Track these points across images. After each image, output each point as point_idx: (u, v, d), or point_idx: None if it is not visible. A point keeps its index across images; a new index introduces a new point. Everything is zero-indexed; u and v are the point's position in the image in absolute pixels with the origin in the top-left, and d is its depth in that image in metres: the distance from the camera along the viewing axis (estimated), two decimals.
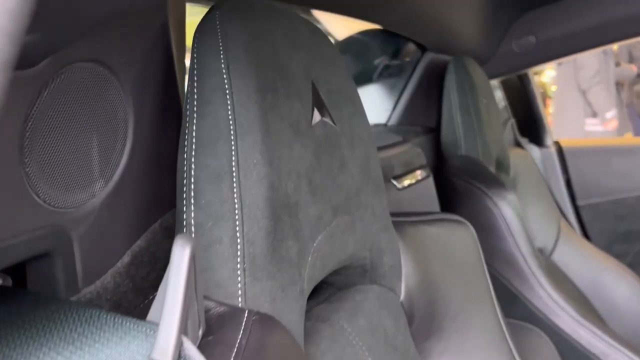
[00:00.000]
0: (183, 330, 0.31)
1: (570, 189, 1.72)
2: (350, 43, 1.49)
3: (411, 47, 1.40)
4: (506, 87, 1.73)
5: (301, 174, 0.45)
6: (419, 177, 0.99)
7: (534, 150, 1.71)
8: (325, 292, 0.62)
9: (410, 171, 0.97)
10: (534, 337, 1.03)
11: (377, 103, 1.41)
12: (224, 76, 0.41)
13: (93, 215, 0.42)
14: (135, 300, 0.46)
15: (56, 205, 0.39)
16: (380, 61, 1.44)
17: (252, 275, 0.39)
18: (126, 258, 0.47)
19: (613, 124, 3.23)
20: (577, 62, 3.15)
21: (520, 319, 1.06)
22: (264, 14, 0.48)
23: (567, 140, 1.79)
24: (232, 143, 0.40)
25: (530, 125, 1.74)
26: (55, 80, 0.37)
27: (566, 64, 3.24)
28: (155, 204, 0.49)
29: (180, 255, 0.30)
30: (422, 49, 1.37)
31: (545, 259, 1.44)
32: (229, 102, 0.41)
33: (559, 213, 1.57)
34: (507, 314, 1.06)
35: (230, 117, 0.41)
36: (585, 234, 1.72)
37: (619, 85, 3.54)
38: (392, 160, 0.93)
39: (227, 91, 0.41)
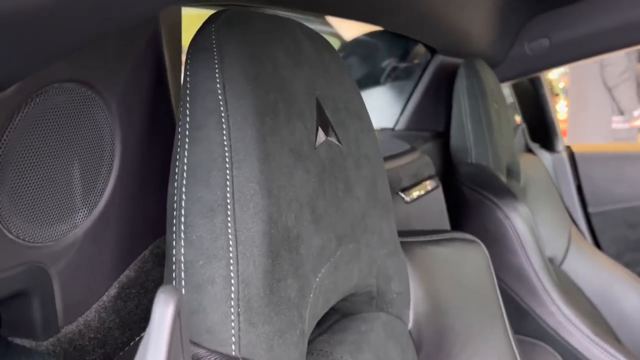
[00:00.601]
0: None
1: (581, 196, 1.67)
2: (358, 44, 1.45)
3: (420, 49, 1.35)
4: (517, 90, 1.69)
5: (303, 202, 0.42)
6: (428, 188, 0.95)
7: (544, 155, 1.67)
8: (329, 318, 0.58)
9: (418, 182, 0.93)
10: (545, 355, 0.99)
11: (384, 107, 1.37)
12: (219, 97, 0.37)
13: (75, 247, 0.39)
14: (121, 337, 0.43)
15: (32, 240, 0.35)
16: (389, 63, 1.40)
17: (247, 320, 0.35)
18: (113, 290, 0.43)
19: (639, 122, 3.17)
20: (603, 59, 3.08)
21: (531, 336, 1.02)
22: (264, 27, 0.44)
23: (579, 145, 1.75)
24: (227, 172, 0.36)
25: (541, 130, 1.70)
26: (30, 103, 0.33)
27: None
28: (145, 229, 0.46)
29: (163, 313, 0.26)
30: (432, 51, 1.33)
31: (555, 268, 1.40)
32: (224, 125, 0.37)
33: (569, 221, 1.53)
34: (517, 330, 1.02)
35: (225, 142, 0.37)
36: (596, 242, 1.67)
37: None
38: (399, 171, 0.89)
39: (223, 114, 0.37)
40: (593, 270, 1.43)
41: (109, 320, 0.42)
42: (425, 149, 1.19)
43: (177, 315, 0.27)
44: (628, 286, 1.41)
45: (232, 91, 0.38)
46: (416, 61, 1.38)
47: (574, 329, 1.00)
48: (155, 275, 0.46)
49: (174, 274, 0.37)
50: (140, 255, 0.46)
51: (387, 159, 0.91)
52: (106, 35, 0.33)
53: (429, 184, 0.95)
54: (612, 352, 0.97)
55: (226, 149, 0.37)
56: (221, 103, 0.37)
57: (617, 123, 3.18)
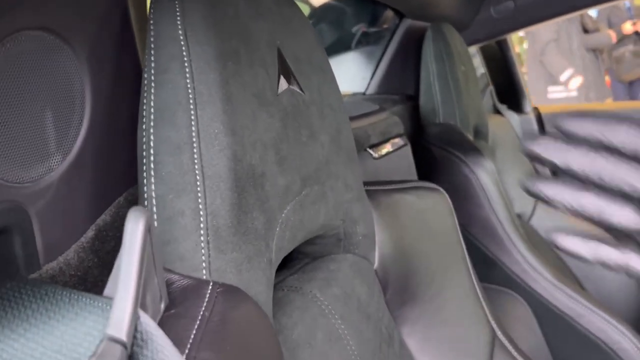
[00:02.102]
0: (140, 304, 0.30)
1: None
2: (327, 10, 1.47)
3: (389, 13, 1.38)
4: (485, 53, 1.72)
5: (267, 144, 0.44)
6: (397, 146, 0.98)
7: (512, 117, 1.71)
8: (299, 262, 0.62)
9: (387, 140, 0.97)
10: (511, 301, 1.05)
11: (355, 72, 1.39)
12: (182, 43, 0.40)
13: (52, 189, 0.41)
14: (100, 275, 0.46)
15: (11, 180, 0.38)
16: (358, 28, 1.42)
17: (216, 248, 0.38)
18: (90, 233, 0.46)
19: (573, 84, 3.22)
20: (534, 33, 3.16)
21: (498, 284, 1.07)
22: None
23: (546, 106, 1.79)
24: (192, 113, 0.39)
25: (509, 92, 1.74)
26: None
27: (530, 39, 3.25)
28: (120, 177, 0.48)
29: (134, 228, 0.29)
30: (400, 15, 1.35)
31: (523, 224, 1.45)
32: (187, 70, 0.39)
33: None
34: (484, 279, 1.07)
35: (189, 85, 0.39)
36: None
37: (597, 51, 3.54)
38: (368, 129, 0.92)
39: (185, 59, 0.40)
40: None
41: (88, 259, 0.45)
42: (395, 111, 1.22)
43: (148, 230, 0.30)
44: None
45: (194, 37, 0.40)
46: (385, 26, 1.40)
47: (538, 277, 1.05)
48: None
49: (146, 209, 0.39)
50: (115, 201, 0.48)
51: (356, 117, 0.94)
52: None
53: (397, 142, 0.99)
54: (575, 296, 1.03)
55: (190, 91, 0.39)
56: (183, 49, 0.40)
57: (553, 93, 3.25)
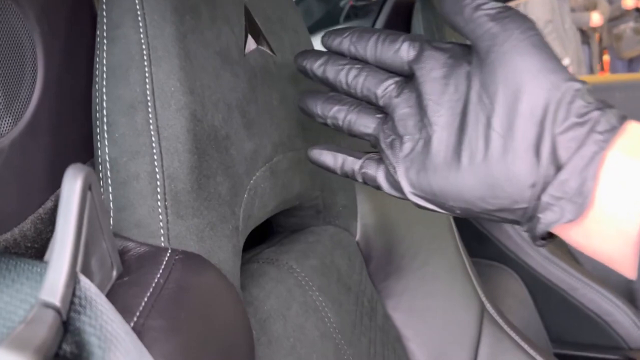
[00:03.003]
0: (83, 269, 0.28)
1: None
2: None
3: None
4: None
5: (232, 105, 0.42)
6: None
7: None
8: (278, 235, 0.60)
9: None
10: (504, 276, 1.03)
11: None
12: None
13: (2, 156, 0.39)
14: None
15: None
16: (346, 2, 1.39)
17: (175, 213, 0.36)
18: (49, 204, 0.43)
19: None
20: (529, 13, 3.11)
21: (491, 259, 1.05)
22: None
23: None
24: (146, 70, 0.36)
25: None
26: None
27: None
28: (82, 143, 0.45)
29: (70, 186, 0.27)
30: None
31: None
32: (140, 24, 0.37)
33: None
34: (477, 254, 1.05)
35: (142, 40, 0.37)
36: None
37: (590, 30, 3.50)
38: None
39: (139, 12, 0.37)
40: None
41: (47, 231, 0.42)
42: None
43: (87, 188, 0.28)
44: None
45: None
46: None
47: (531, 251, 1.03)
48: None
49: (100, 173, 0.37)
50: None
51: None
52: None
53: None
54: (569, 270, 1.01)
55: (144, 46, 0.37)
56: (137, 1, 0.37)
57: None
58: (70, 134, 0.44)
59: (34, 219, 0.42)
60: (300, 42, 0.55)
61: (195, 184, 0.37)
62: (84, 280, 0.27)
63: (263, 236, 0.61)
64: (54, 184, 0.44)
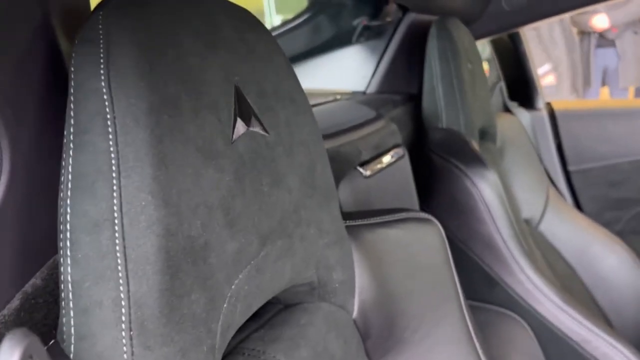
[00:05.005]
0: None
1: (561, 154, 1.64)
2: (327, 2, 1.39)
3: (392, 6, 1.29)
4: (497, 47, 1.63)
5: (214, 206, 0.38)
6: (392, 159, 0.91)
7: (523, 114, 1.63)
8: (270, 310, 0.56)
9: (381, 154, 0.90)
10: (512, 324, 0.99)
11: (355, 68, 1.31)
12: (104, 97, 0.33)
13: None
14: None
15: None
16: (359, 22, 1.34)
17: (141, 344, 0.33)
18: (15, 303, 0.40)
19: (548, 80, 3.12)
20: None
21: (500, 305, 1.01)
22: (170, 8, 0.39)
23: (560, 102, 1.70)
24: (114, 183, 0.33)
25: (520, 87, 1.65)
26: None
27: None
28: (52, 235, 0.42)
29: None
30: (404, 8, 1.27)
31: (532, 229, 1.38)
32: (110, 129, 0.33)
33: (547, 181, 1.51)
34: (486, 299, 1.01)
35: (112, 149, 0.33)
36: (576, 201, 1.66)
37: (585, 34, 3.39)
38: (359, 144, 0.85)
39: (109, 116, 0.33)
40: (570, 231, 1.42)
41: None
42: (396, 114, 1.15)
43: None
44: (606, 247, 1.40)
45: (120, 89, 0.34)
46: (388, 19, 1.31)
47: (542, 298, 0.99)
48: None
49: (63, 294, 0.34)
50: (49, 261, 0.42)
51: (346, 130, 0.87)
52: None
53: (393, 154, 0.92)
54: (579, 318, 0.97)
55: (112, 155, 0.33)
56: (106, 104, 0.33)
57: None
58: (39, 225, 0.41)
59: None
60: (297, 112, 0.50)
61: (165, 308, 0.34)
62: None
63: None
64: (22, 279, 0.41)
